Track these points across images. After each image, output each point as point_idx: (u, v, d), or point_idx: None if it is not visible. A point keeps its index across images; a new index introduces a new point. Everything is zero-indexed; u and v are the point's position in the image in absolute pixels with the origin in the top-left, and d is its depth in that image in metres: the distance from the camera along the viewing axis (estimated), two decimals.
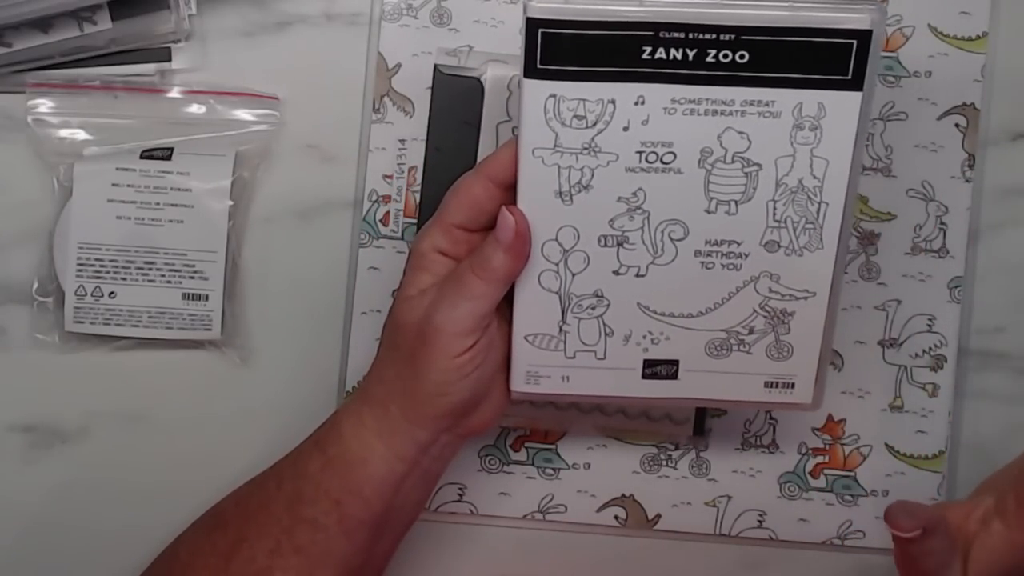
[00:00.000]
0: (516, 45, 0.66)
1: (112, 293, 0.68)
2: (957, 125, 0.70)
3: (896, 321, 0.70)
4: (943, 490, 0.70)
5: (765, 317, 0.60)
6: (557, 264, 0.59)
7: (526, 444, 0.70)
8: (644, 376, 0.61)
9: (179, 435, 0.70)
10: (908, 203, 0.70)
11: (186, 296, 0.68)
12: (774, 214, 0.59)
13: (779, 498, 0.71)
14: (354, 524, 0.60)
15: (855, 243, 0.70)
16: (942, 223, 0.70)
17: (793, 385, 0.62)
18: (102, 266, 0.67)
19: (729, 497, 0.71)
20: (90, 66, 0.67)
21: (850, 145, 0.58)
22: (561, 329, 0.61)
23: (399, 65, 0.69)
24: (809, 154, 0.58)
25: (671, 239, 0.59)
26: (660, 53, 0.55)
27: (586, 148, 0.57)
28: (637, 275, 0.60)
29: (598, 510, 0.71)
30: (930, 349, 0.70)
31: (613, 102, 0.56)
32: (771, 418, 0.70)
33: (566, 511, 0.71)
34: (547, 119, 0.57)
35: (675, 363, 0.61)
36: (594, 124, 0.57)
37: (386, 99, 0.69)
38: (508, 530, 0.71)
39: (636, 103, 0.56)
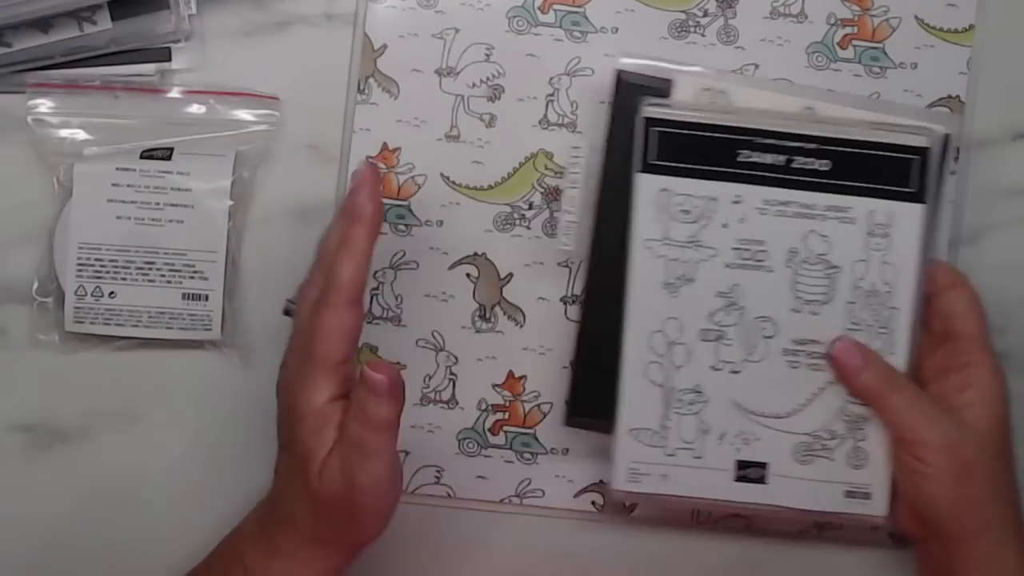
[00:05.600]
0: (503, 28, 0.69)
1: (112, 293, 0.68)
2: None
3: None
4: None
5: (845, 421, 0.63)
6: (662, 356, 0.63)
7: (504, 428, 0.70)
8: (736, 479, 0.64)
9: (179, 435, 0.70)
10: None
11: (186, 296, 0.68)
12: (851, 316, 0.63)
13: None
14: None
15: None
16: None
17: (869, 496, 0.64)
18: (102, 266, 0.67)
19: None
20: (90, 66, 0.67)
21: (915, 254, 0.63)
22: (663, 425, 0.64)
23: (385, 46, 0.69)
24: (880, 260, 0.63)
25: (762, 336, 0.63)
26: (755, 156, 0.62)
27: (691, 241, 0.62)
28: (732, 371, 0.63)
29: (575, 495, 0.71)
30: None
31: (715, 199, 0.62)
32: None
33: (543, 496, 0.71)
34: (658, 212, 0.62)
35: (764, 466, 0.64)
36: (698, 219, 0.62)
37: (371, 80, 0.69)
38: (485, 514, 0.71)
39: (734, 202, 0.62)
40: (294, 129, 0.69)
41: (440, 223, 0.69)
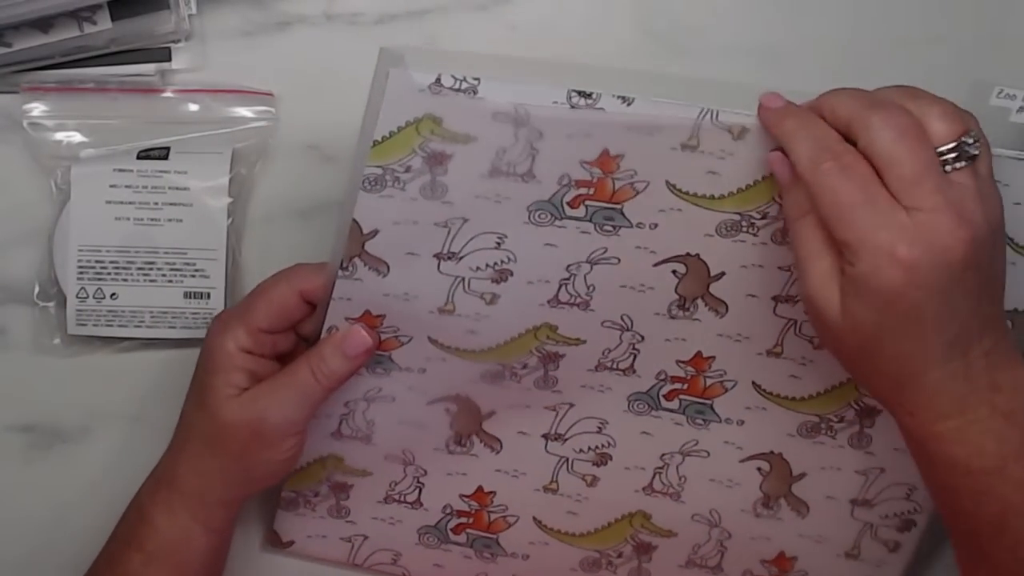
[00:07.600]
0: (522, 219, 0.61)
1: (114, 294, 0.68)
2: None
3: None
4: None
5: None
6: None
7: (467, 530, 0.70)
8: None
9: None
10: None
11: (188, 295, 0.68)
12: None
13: None
14: None
15: None
16: None
17: None
18: (103, 268, 0.67)
19: None
20: (90, 66, 0.66)
21: None
22: None
23: (376, 231, 0.60)
24: None
25: None
26: None
27: None
28: None
29: None
30: None
31: None
32: None
33: None
34: None
35: None
36: None
37: (357, 260, 0.61)
38: None
39: None
40: (294, 129, 0.69)
41: (423, 371, 0.64)
